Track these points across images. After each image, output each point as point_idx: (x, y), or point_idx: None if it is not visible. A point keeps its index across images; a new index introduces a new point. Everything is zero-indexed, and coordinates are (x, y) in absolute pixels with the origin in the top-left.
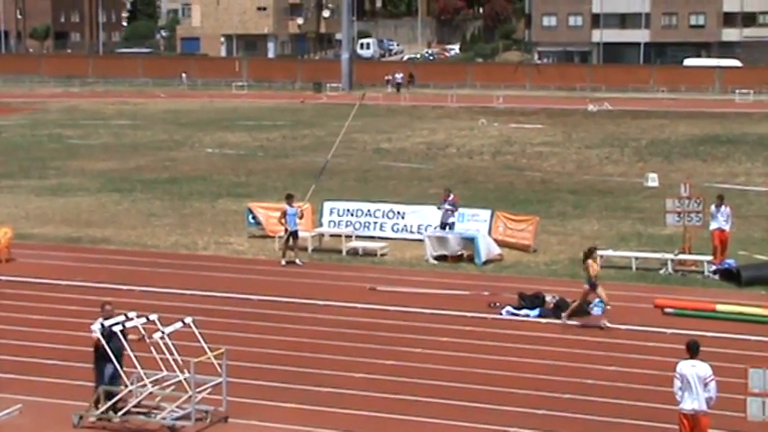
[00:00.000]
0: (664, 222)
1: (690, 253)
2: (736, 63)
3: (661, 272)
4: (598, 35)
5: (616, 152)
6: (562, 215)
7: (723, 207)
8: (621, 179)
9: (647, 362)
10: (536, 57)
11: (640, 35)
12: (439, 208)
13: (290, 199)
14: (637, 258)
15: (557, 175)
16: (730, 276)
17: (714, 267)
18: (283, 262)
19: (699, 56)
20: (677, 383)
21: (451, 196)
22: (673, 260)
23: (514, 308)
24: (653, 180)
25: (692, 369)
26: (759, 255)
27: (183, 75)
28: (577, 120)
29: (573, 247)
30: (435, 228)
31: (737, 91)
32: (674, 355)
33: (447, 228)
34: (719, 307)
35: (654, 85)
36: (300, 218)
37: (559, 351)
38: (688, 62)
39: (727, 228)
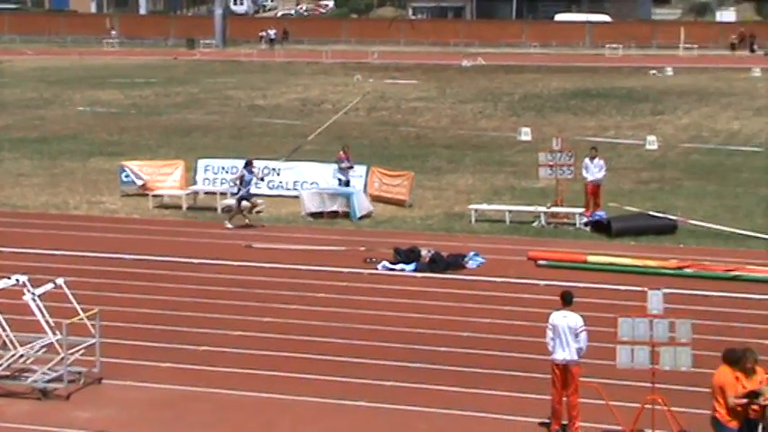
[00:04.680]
0: (536, 176)
1: (562, 205)
2: (605, 18)
3: (534, 224)
4: None
5: (489, 107)
6: (437, 170)
7: (596, 159)
8: (495, 134)
9: (521, 313)
10: (410, 12)
11: None
12: (340, 167)
13: (249, 165)
14: (510, 211)
15: (431, 130)
16: (601, 228)
17: (585, 219)
18: (228, 225)
19: (569, 11)
20: (549, 334)
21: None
22: (545, 213)
23: (390, 263)
24: (526, 134)
25: (564, 320)
26: (629, 206)
27: (113, 31)
28: (451, 75)
29: (448, 201)
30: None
31: (607, 45)
32: (547, 306)
33: (348, 185)
34: (591, 258)
35: (526, 41)
36: (261, 179)
37: (435, 305)
38: (559, 17)
39: (600, 180)
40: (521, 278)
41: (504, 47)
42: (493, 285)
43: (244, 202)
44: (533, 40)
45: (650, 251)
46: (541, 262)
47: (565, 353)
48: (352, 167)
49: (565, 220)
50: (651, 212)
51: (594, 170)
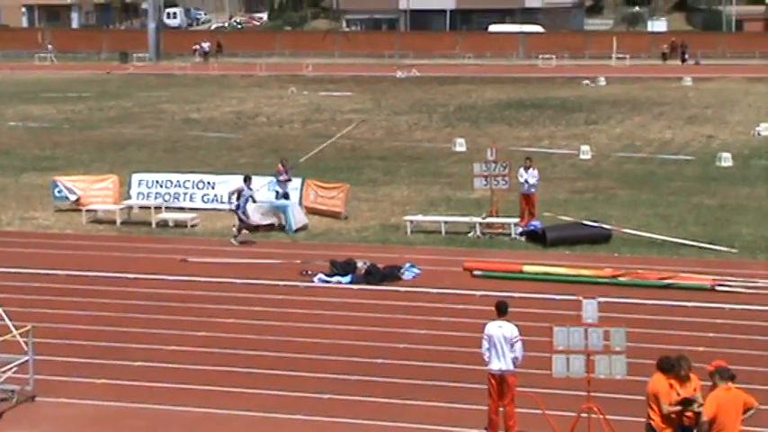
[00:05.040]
0: (471, 186)
1: (497, 216)
2: (538, 29)
3: (470, 235)
4: (405, 2)
5: (424, 118)
6: (372, 182)
7: (531, 169)
8: (430, 145)
9: (457, 324)
10: (344, 24)
11: (446, 2)
12: (278, 180)
13: (247, 181)
14: (446, 222)
15: (366, 142)
16: (536, 237)
17: (520, 229)
18: (234, 241)
19: (503, 22)
20: (485, 344)
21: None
22: (480, 223)
23: (326, 275)
24: (460, 145)
25: (499, 330)
26: (563, 216)
27: (49, 45)
28: (386, 87)
29: (384, 213)
30: (276, 198)
31: (541, 56)
32: (483, 316)
33: (287, 197)
34: (526, 268)
35: (460, 52)
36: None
37: (372, 317)
38: (493, 28)
39: (534, 190)
40: (456, 289)
41: (438, 58)
42: (429, 296)
43: (242, 217)
44: (467, 51)
45: (585, 260)
46: (477, 272)
47: (500, 363)
48: (290, 180)
49: (500, 231)
50: (585, 222)
51: (529, 181)
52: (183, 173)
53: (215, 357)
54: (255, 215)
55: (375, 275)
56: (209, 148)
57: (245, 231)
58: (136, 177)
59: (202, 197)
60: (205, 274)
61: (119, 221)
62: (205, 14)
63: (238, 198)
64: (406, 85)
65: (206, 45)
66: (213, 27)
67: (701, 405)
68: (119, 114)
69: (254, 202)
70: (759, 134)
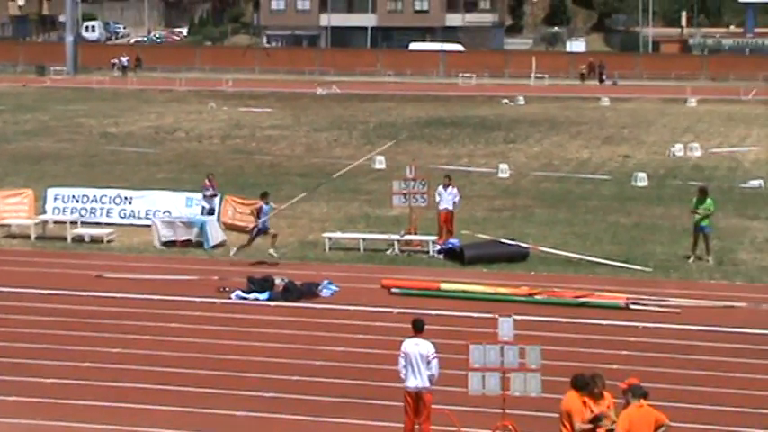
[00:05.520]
0: (390, 204)
1: (415, 233)
2: (459, 47)
3: (388, 252)
4: (326, 19)
5: (344, 135)
6: (291, 198)
7: (450, 187)
8: (349, 162)
9: (374, 341)
10: (265, 40)
11: (367, 19)
12: (205, 196)
13: (265, 197)
14: (364, 240)
15: (286, 158)
16: (454, 255)
17: (439, 247)
18: (233, 250)
19: (424, 40)
20: (401, 362)
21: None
22: (399, 241)
23: (244, 291)
24: (380, 162)
25: (416, 347)
26: (481, 234)
27: None
28: (306, 103)
29: (302, 229)
30: (203, 214)
31: (461, 75)
32: (400, 333)
33: (212, 213)
34: (444, 285)
35: (381, 69)
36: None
37: (289, 333)
38: (413, 46)
39: (452, 208)
40: (374, 306)
41: (358, 75)
42: (346, 314)
43: (260, 235)
44: (388, 69)
45: (502, 278)
46: (395, 290)
47: (417, 380)
48: (216, 195)
49: (418, 248)
50: (503, 240)
51: (448, 198)
52: (100, 188)
53: (130, 374)
54: (166, 231)
55: (293, 292)
56: (126, 162)
57: (239, 246)
58: (51, 192)
59: (119, 212)
60: (121, 290)
61: (33, 236)
62: (124, 28)
63: (258, 215)
64: (326, 101)
65: (125, 59)
66: (132, 41)
67: (614, 422)
68: (35, 128)
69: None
70: (674, 154)
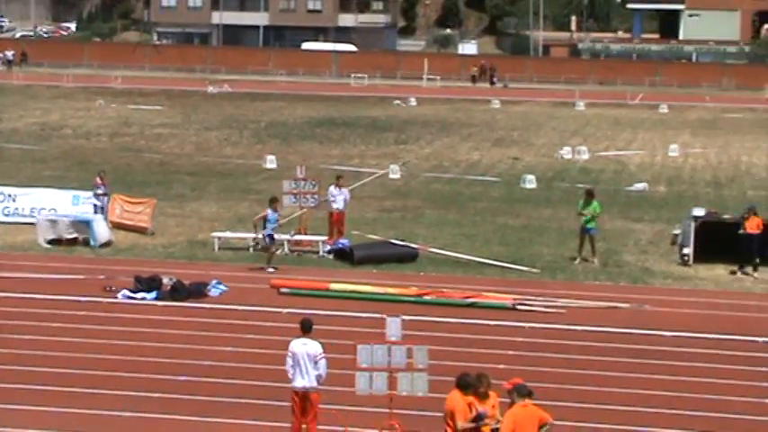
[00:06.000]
0: (281, 204)
1: (306, 233)
2: (351, 48)
3: (278, 252)
4: (218, 17)
5: (235, 134)
6: (181, 197)
7: (341, 188)
8: (240, 161)
9: (262, 341)
10: (155, 37)
11: (259, 18)
12: (96, 194)
13: (273, 203)
14: (254, 239)
15: (176, 156)
16: (344, 256)
17: (329, 247)
18: (270, 270)
19: (316, 40)
20: (289, 362)
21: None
22: (289, 241)
23: (131, 291)
24: (271, 162)
25: (303, 347)
26: (372, 234)
27: None
28: (197, 101)
29: (191, 228)
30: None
31: (353, 75)
32: (289, 334)
33: (103, 210)
34: (333, 285)
35: (273, 68)
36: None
37: (177, 333)
38: (306, 46)
39: (343, 208)
40: (263, 306)
41: (250, 74)
42: (235, 314)
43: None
44: (280, 68)
45: (391, 279)
46: (284, 290)
47: (304, 380)
48: (107, 195)
49: (308, 248)
50: (393, 240)
51: (339, 199)
52: None
53: (13, 374)
54: (52, 229)
55: (181, 292)
56: (11, 159)
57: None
58: None
59: (3, 210)
60: (4, 290)
61: None
62: (9, 22)
63: (265, 223)
64: (217, 100)
65: (10, 53)
66: (18, 35)
67: (499, 421)
68: None
69: (280, 226)
70: (562, 157)
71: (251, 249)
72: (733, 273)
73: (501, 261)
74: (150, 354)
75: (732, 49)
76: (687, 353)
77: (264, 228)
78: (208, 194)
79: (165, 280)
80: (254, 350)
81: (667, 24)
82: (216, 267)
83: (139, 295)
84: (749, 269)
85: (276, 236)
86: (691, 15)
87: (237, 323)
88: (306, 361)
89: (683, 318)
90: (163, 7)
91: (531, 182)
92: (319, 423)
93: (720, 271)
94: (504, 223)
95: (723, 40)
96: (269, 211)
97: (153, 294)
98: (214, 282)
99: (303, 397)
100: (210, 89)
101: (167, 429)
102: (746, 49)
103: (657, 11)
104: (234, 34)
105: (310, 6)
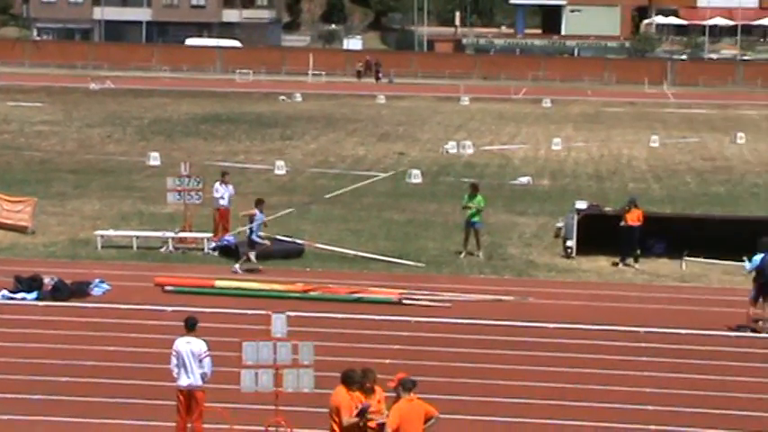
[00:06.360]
0: (165, 201)
1: (190, 230)
2: (236, 44)
3: (162, 250)
4: (99, 12)
5: (118, 131)
6: (62, 195)
7: (226, 185)
8: (123, 158)
9: (147, 340)
10: (35, 33)
11: (142, 13)
12: None
13: (260, 204)
14: (137, 237)
15: (57, 154)
16: (229, 253)
17: (214, 244)
18: (235, 267)
19: (200, 36)
20: (174, 360)
21: None
22: (173, 238)
23: (11, 291)
24: (155, 159)
25: (187, 346)
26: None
27: None
28: (79, 98)
29: (73, 227)
30: None
31: (238, 71)
32: (174, 332)
33: None
34: (218, 283)
35: (156, 64)
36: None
37: (59, 334)
38: (190, 42)
39: (228, 205)
40: (147, 305)
41: (133, 70)
42: (118, 312)
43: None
44: (164, 64)
45: (277, 275)
46: (169, 288)
47: (189, 379)
48: None
49: (193, 246)
50: (279, 237)
51: (225, 196)
52: None
53: None
54: None
55: (62, 291)
56: None
57: (245, 258)
58: None
59: None
60: None
61: None
62: None
63: (250, 220)
64: (99, 96)
65: None
66: None
67: (386, 416)
68: None
69: (266, 226)
70: (447, 152)
71: (135, 247)
72: (615, 264)
73: (387, 256)
74: (31, 355)
75: (613, 44)
76: (570, 344)
77: (250, 228)
78: (90, 192)
79: (47, 280)
80: (138, 349)
81: (550, 20)
82: (99, 266)
83: (19, 295)
84: (630, 261)
85: (160, 233)
86: (572, 11)
87: (121, 322)
88: (190, 359)
89: (566, 309)
90: (42, 2)
91: (416, 176)
92: (204, 421)
93: (603, 263)
94: (390, 218)
95: (604, 36)
96: (256, 212)
97: (33, 294)
98: (97, 281)
99: (188, 395)
100: (93, 86)
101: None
102: (627, 44)
103: (540, 6)
104: (116, 30)
105: (194, 2)
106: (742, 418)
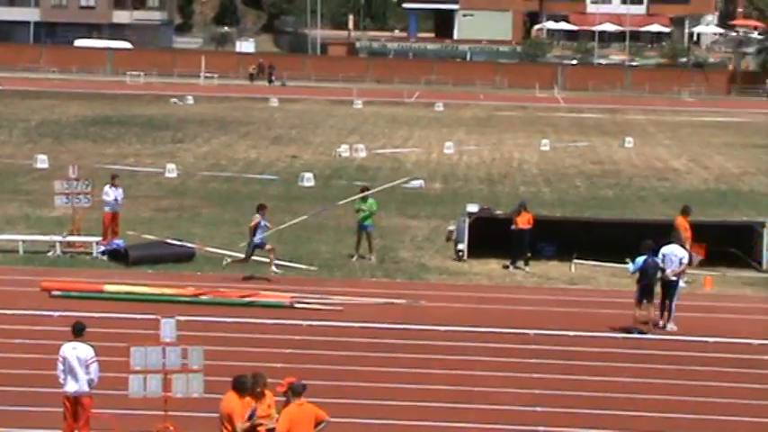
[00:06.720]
0: (53, 204)
1: (79, 234)
2: (127, 45)
3: (49, 254)
4: None
5: (4, 133)
6: None
7: (116, 188)
8: (9, 161)
9: (33, 346)
10: None
11: (30, 13)
12: None
13: (262, 209)
14: (24, 241)
15: None
16: (118, 256)
17: (103, 248)
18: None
19: (90, 37)
20: (60, 366)
21: None
22: (61, 242)
23: None
24: (42, 161)
25: (74, 351)
26: (147, 234)
27: None
28: None
29: None
30: None
31: (128, 73)
32: (61, 337)
33: None
34: (107, 287)
35: (44, 65)
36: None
37: None
38: (79, 43)
39: (118, 208)
40: (33, 310)
41: (20, 71)
42: (3, 318)
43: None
44: (52, 65)
45: (168, 279)
46: (56, 293)
47: (76, 385)
48: None
49: (81, 250)
50: (169, 240)
51: (113, 199)
52: None
53: None
54: None
55: None
56: None
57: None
58: None
59: None
60: None
61: None
62: None
63: (255, 228)
64: None
65: None
66: None
67: (277, 420)
68: None
69: (269, 229)
70: (340, 155)
71: (21, 251)
72: (506, 267)
73: (279, 259)
74: None
75: (504, 48)
76: (461, 346)
77: (254, 234)
78: None
79: None
80: (23, 355)
81: (442, 24)
82: None
83: None
84: (521, 263)
85: (42, 237)
86: (465, 15)
87: (6, 328)
88: (77, 365)
89: (457, 312)
90: None
91: (309, 180)
92: (91, 428)
93: (494, 266)
94: (283, 222)
95: (496, 40)
96: (258, 217)
97: None
98: None
99: (74, 402)
100: None
101: None
102: (518, 48)
103: (432, 10)
104: (3, 30)
105: (83, 3)
106: (630, 419)
